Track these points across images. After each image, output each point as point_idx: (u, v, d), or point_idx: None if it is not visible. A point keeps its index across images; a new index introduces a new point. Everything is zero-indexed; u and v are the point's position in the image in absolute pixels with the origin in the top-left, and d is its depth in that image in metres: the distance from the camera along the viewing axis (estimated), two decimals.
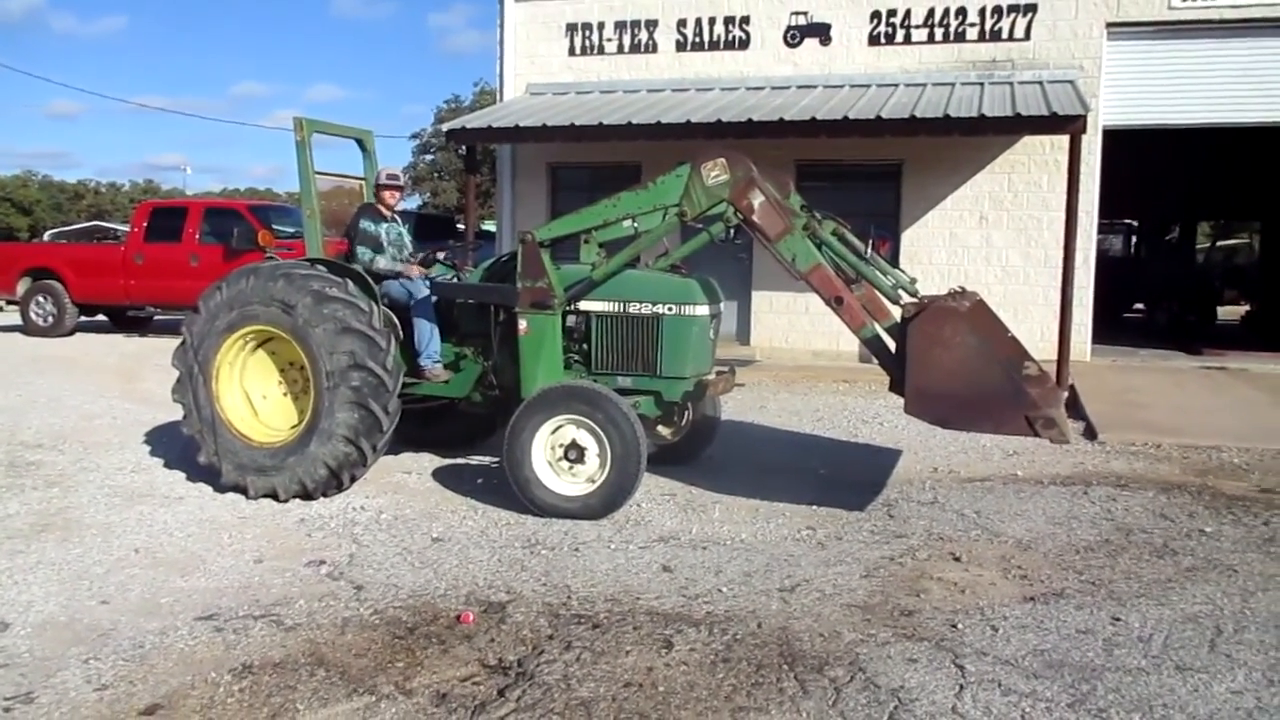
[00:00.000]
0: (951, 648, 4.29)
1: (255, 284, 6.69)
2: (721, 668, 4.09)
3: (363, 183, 8.07)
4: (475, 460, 7.73)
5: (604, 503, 6.17)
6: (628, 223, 6.50)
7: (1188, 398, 10.74)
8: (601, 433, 6.14)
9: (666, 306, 6.63)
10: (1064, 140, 11.98)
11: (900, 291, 6.67)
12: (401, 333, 7.02)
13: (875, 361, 6.33)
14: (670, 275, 6.90)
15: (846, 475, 7.47)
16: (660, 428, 7.50)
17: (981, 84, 13.32)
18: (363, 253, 7.20)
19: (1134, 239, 21.34)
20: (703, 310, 6.70)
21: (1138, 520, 6.34)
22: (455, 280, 7.58)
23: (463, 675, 4.02)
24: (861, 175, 14.53)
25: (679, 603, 4.82)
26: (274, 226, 15.63)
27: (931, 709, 3.73)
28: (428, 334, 7.09)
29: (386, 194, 7.54)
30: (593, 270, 6.60)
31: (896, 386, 6.01)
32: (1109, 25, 13.33)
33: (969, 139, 12.79)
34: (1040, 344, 13.29)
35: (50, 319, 16.81)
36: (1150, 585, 5.12)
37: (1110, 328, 15.77)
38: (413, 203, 49.43)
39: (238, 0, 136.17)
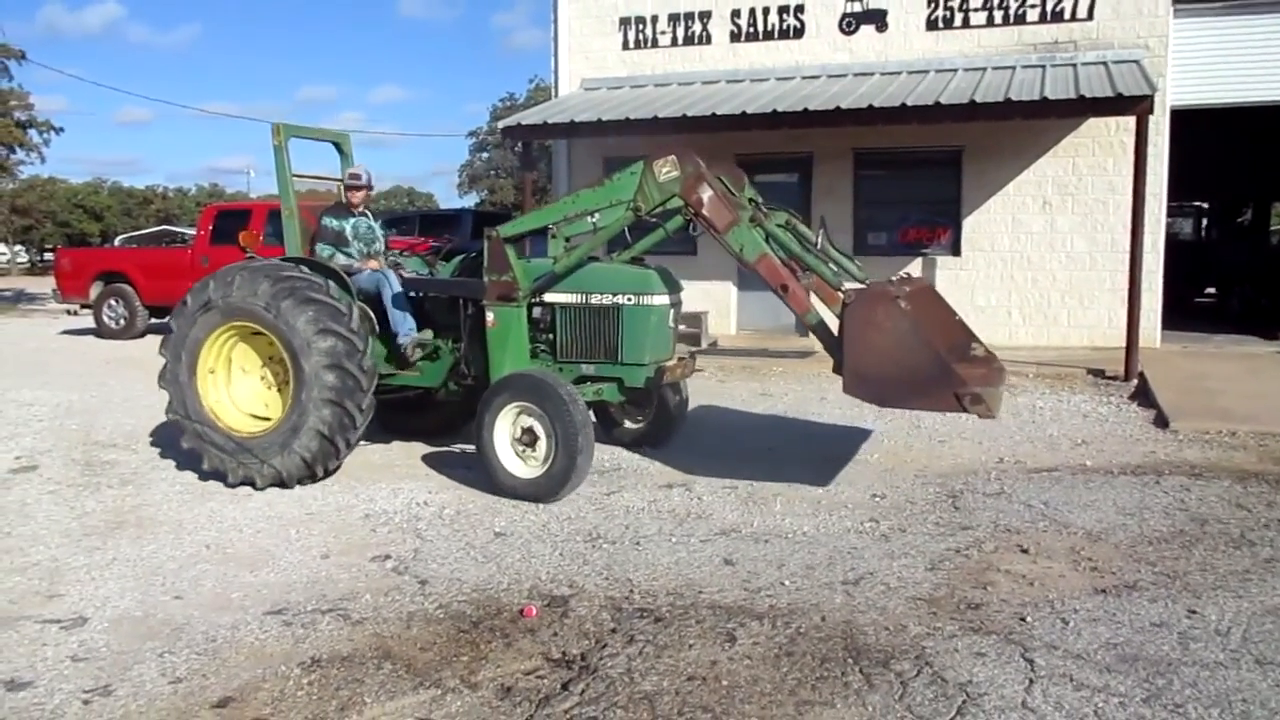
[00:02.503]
0: (1020, 641, 4.21)
1: (241, 283, 6.94)
2: (785, 661, 4.06)
3: (340, 183, 8.25)
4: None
5: (553, 484, 6.41)
6: (590, 218, 6.82)
7: (1263, 384, 10.42)
8: (549, 419, 6.39)
9: (626, 297, 6.90)
10: (1130, 122, 11.68)
11: (845, 278, 6.88)
12: (377, 325, 7.32)
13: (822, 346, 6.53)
14: (630, 267, 7.13)
15: (909, 466, 7.38)
16: (626, 416, 7.97)
17: (1043, 66, 13.06)
18: (321, 249, 7.57)
19: (1204, 221, 20.78)
20: (661, 300, 6.96)
21: (1213, 510, 6.17)
22: (428, 275, 7.91)
23: (527, 669, 4.04)
24: (920, 162, 14.35)
25: (741, 596, 4.80)
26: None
27: (1001, 703, 3.66)
28: (400, 317, 7.36)
29: (351, 194, 7.85)
30: (555, 263, 6.93)
31: (838, 368, 6.22)
32: (1175, 2, 12.98)
33: (1031, 123, 12.56)
34: (1108, 331, 13.07)
35: (122, 321, 17.26)
36: (1227, 577, 4.98)
37: (1181, 313, 15.38)
38: (469, 200, 49.92)
39: (306, 6, 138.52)
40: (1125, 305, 11.44)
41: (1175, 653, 4.09)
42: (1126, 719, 3.55)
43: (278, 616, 4.65)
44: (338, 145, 8.36)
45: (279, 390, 7.20)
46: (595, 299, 6.98)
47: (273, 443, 6.80)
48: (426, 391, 7.70)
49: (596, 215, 6.78)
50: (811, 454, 7.77)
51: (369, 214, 8.02)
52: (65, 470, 7.53)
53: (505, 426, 6.58)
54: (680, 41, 15.21)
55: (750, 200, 6.87)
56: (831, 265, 6.93)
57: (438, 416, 8.33)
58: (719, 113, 12.47)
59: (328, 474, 6.97)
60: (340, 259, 7.49)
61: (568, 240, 6.97)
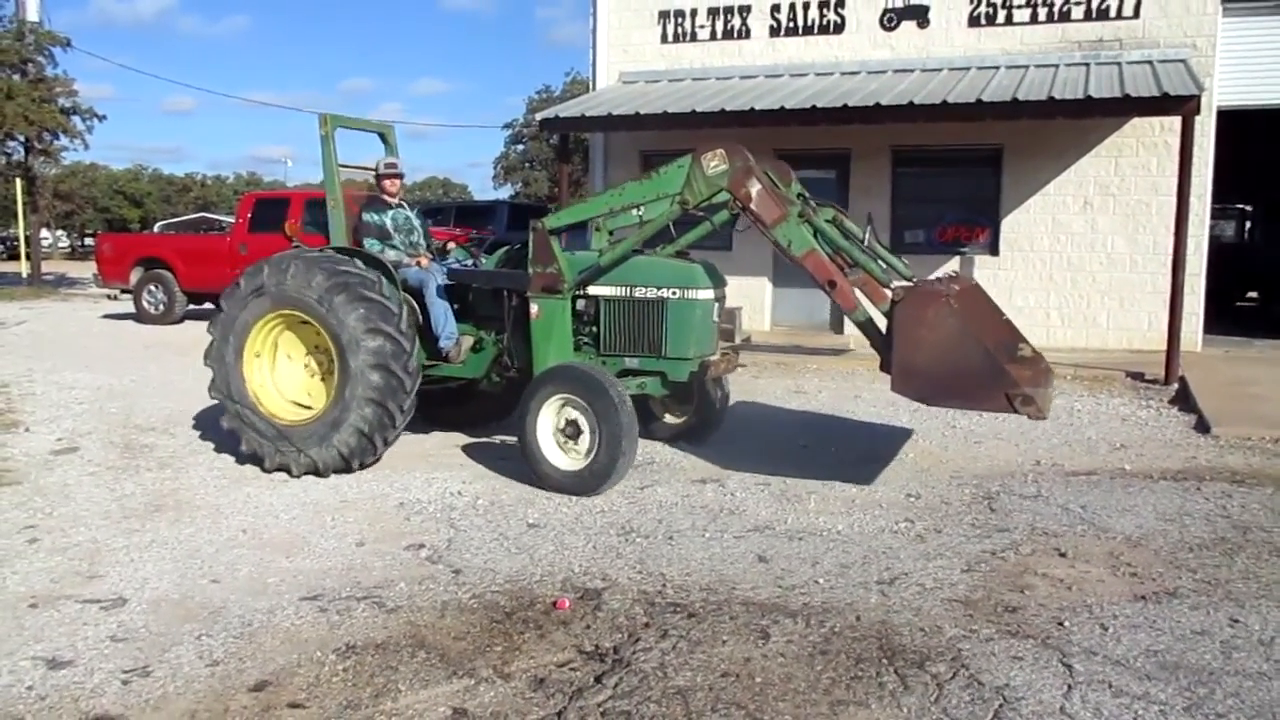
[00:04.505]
0: (1059, 646, 4.16)
1: (296, 272, 6.93)
2: (819, 660, 4.03)
3: (374, 173, 8.25)
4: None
5: (595, 478, 6.39)
6: (635, 211, 6.78)
7: None
8: (594, 412, 6.36)
9: (671, 290, 6.87)
10: (1175, 122, 11.51)
11: (893, 276, 6.82)
12: (420, 318, 7.32)
13: (869, 343, 6.47)
14: (675, 261, 7.14)
15: (945, 466, 7.32)
16: (668, 411, 7.92)
17: (1087, 64, 12.89)
18: (370, 244, 7.54)
19: (1248, 224, 20.44)
20: (705, 294, 6.94)
21: (1255, 518, 6.07)
22: (472, 266, 7.87)
23: (560, 661, 4.04)
24: (960, 160, 14.21)
25: (775, 593, 4.78)
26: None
27: (1038, 708, 3.62)
28: (443, 316, 7.35)
29: (386, 182, 7.87)
30: (600, 256, 6.92)
31: (885, 366, 6.17)
32: (1224, 1, 12.75)
33: (1073, 122, 12.41)
34: (1148, 333, 12.89)
35: (161, 307, 17.48)
36: (1270, 586, 4.89)
37: (1222, 317, 15.15)
38: (504, 192, 50.04)
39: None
40: (1166, 308, 11.27)
41: (1217, 662, 4.02)
42: None
43: (313, 602, 4.68)
44: (383, 136, 8.38)
45: (322, 379, 7.23)
46: (640, 292, 6.94)
47: (313, 434, 6.85)
48: (469, 383, 7.70)
49: (642, 208, 6.75)
50: (845, 452, 7.72)
51: (405, 204, 8.04)
52: (105, 453, 7.63)
53: (549, 418, 6.57)
54: (719, 35, 15.15)
55: (799, 195, 6.83)
56: (880, 262, 6.87)
57: (478, 407, 8.33)
58: (758, 108, 12.42)
59: (363, 467, 7.00)
60: (390, 254, 7.49)
61: (612, 233, 6.94)
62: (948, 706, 3.64)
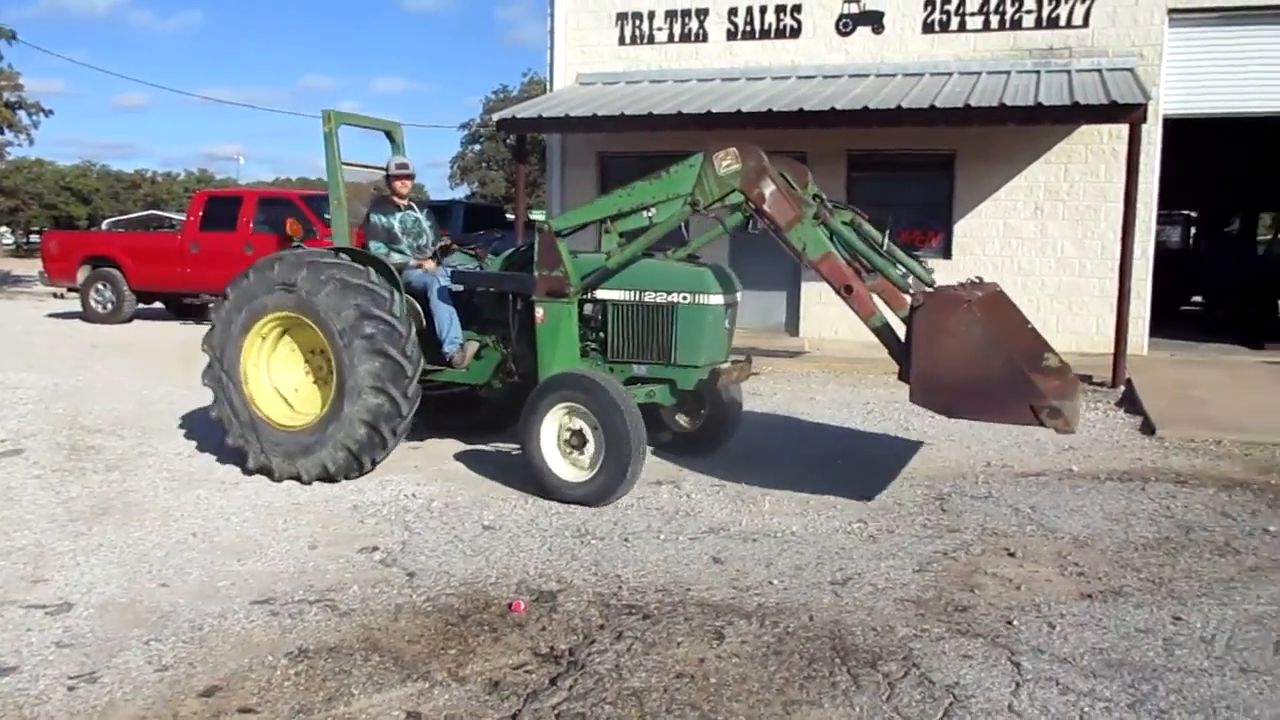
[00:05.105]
0: (1007, 644, 4.23)
1: (309, 276, 6.79)
2: (773, 660, 4.07)
3: (384, 173, 8.14)
4: (509, 447, 7.74)
5: (601, 489, 6.22)
6: (646, 212, 6.55)
7: (1249, 393, 10.48)
8: (598, 420, 6.21)
9: (681, 295, 6.65)
10: (1123, 129, 11.73)
11: (912, 281, 6.60)
12: (424, 321, 7.17)
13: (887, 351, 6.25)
14: (685, 264, 6.92)
15: (897, 469, 7.39)
16: (678, 417, 7.63)
17: (1038, 72, 13.10)
18: (376, 246, 7.38)
19: (1193, 230, 20.89)
20: (717, 299, 6.69)
21: (1198, 518, 6.21)
22: (476, 269, 7.68)
23: (515, 663, 4.04)
24: (914, 165, 14.37)
25: (730, 594, 4.81)
26: (326, 216, 15.79)
27: (987, 706, 3.68)
28: (447, 320, 7.20)
29: (397, 183, 7.67)
30: (607, 259, 6.68)
31: (904, 375, 5.98)
32: (1170, 11, 13.03)
33: (1024, 128, 12.59)
34: (1096, 337, 13.12)
35: (109, 306, 17.18)
36: (1212, 584, 5.01)
37: (1168, 321, 15.46)
38: (461, 192, 49.77)
39: None
40: (1114, 312, 11.49)
41: (1160, 659, 4.11)
42: None
43: (265, 606, 4.63)
44: (389, 134, 8.19)
45: (326, 382, 7.04)
46: (649, 297, 6.71)
47: (330, 420, 6.68)
48: (471, 389, 7.52)
49: (652, 209, 6.53)
50: (800, 454, 7.78)
51: (415, 206, 7.85)
52: (51, 455, 7.49)
53: (553, 427, 6.39)
54: (677, 38, 15.19)
55: (814, 197, 6.62)
56: (899, 267, 6.69)
57: (479, 414, 8.11)
58: (714, 111, 12.47)
59: (374, 464, 6.83)
60: (396, 258, 7.32)
61: (621, 235, 6.70)
62: (899, 705, 3.69)
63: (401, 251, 7.48)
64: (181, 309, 18.03)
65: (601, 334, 6.95)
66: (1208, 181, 18.85)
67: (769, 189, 6.16)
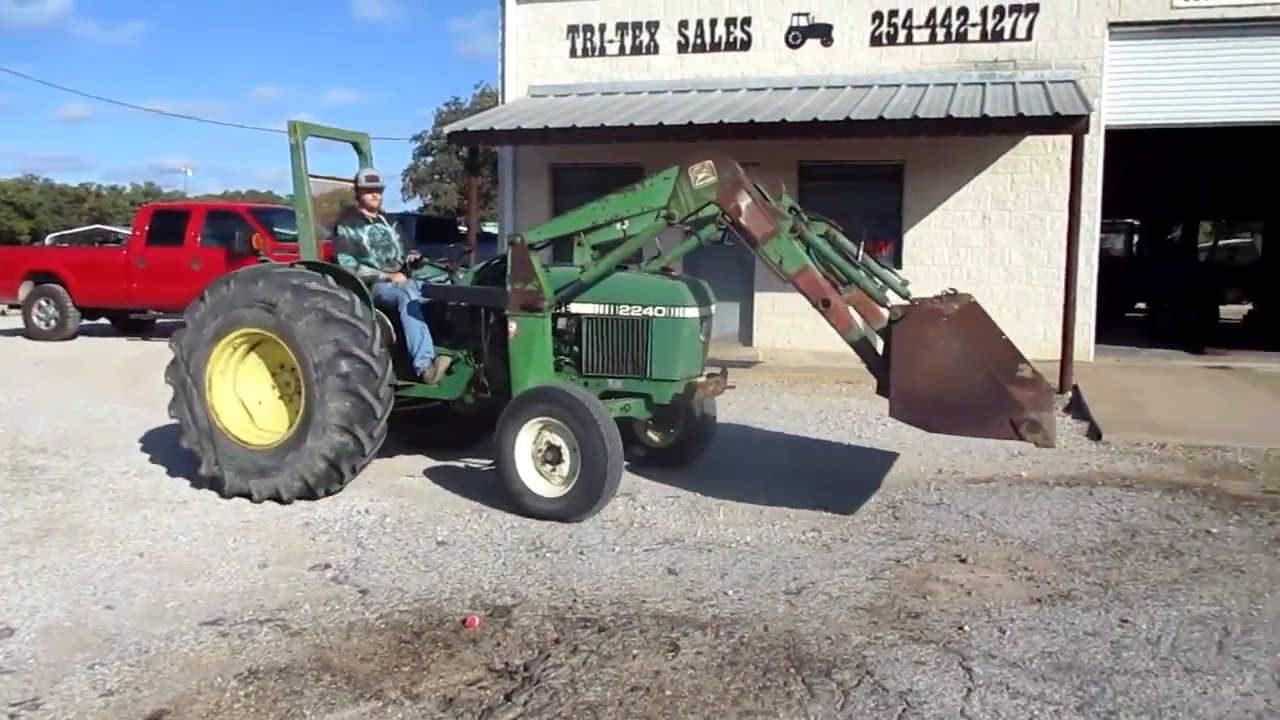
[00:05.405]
0: (959, 650, 4.28)
1: (264, 288, 6.68)
2: (728, 671, 4.08)
3: (354, 185, 8.06)
4: (479, 463, 7.72)
5: (578, 504, 6.16)
6: (620, 225, 6.52)
7: (1192, 398, 10.71)
8: (574, 435, 6.15)
9: (656, 309, 6.62)
10: (1067, 140, 11.94)
11: (889, 294, 6.60)
12: (394, 336, 7.05)
13: (865, 365, 6.26)
14: (660, 278, 6.89)
15: (851, 477, 7.45)
16: (650, 432, 7.57)
17: (984, 84, 13.31)
18: (344, 259, 7.27)
19: (1136, 238, 21.30)
20: (692, 312, 6.67)
21: (1143, 521, 6.33)
22: (447, 283, 7.58)
23: (469, 680, 4.01)
24: (864, 176, 14.53)
25: (685, 606, 4.81)
26: (276, 230, 15.64)
27: (940, 712, 3.72)
28: (418, 334, 7.11)
29: (367, 196, 7.58)
30: (582, 272, 6.63)
31: (883, 389, 5.98)
32: (1111, 25, 13.31)
33: (971, 139, 12.78)
34: (1043, 344, 13.29)
35: (53, 322, 16.83)
36: (1157, 587, 5.11)
37: (1113, 328, 15.74)
38: (413, 205, 49.48)
39: (258, 7, 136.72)
40: (1060, 319, 11.69)
41: (1108, 661, 4.18)
42: None
43: (214, 627, 4.56)
44: (356, 145, 8.07)
45: (292, 400, 6.93)
46: (624, 310, 6.67)
47: (293, 448, 6.55)
48: (443, 404, 7.42)
49: (627, 222, 6.49)
50: (754, 464, 7.82)
51: (384, 219, 7.75)
52: None
53: (527, 442, 6.31)
54: (628, 51, 15.24)
55: (790, 209, 6.60)
56: (875, 280, 6.70)
57: (448, 429, 8.00)
58: (666, 123, 12.52)
59: (354, 473, 6.73)
60: (365, 271, 7.22)
61: (594, 248, 6.65)
62: (853, 713, 3.71)
63: (371, 265, 7.38)
64: (127, 325, 17.72)
65: (576, 348, 6.88)
66: (1149, 191, 19.24)
67: (745, 202, 6.15)
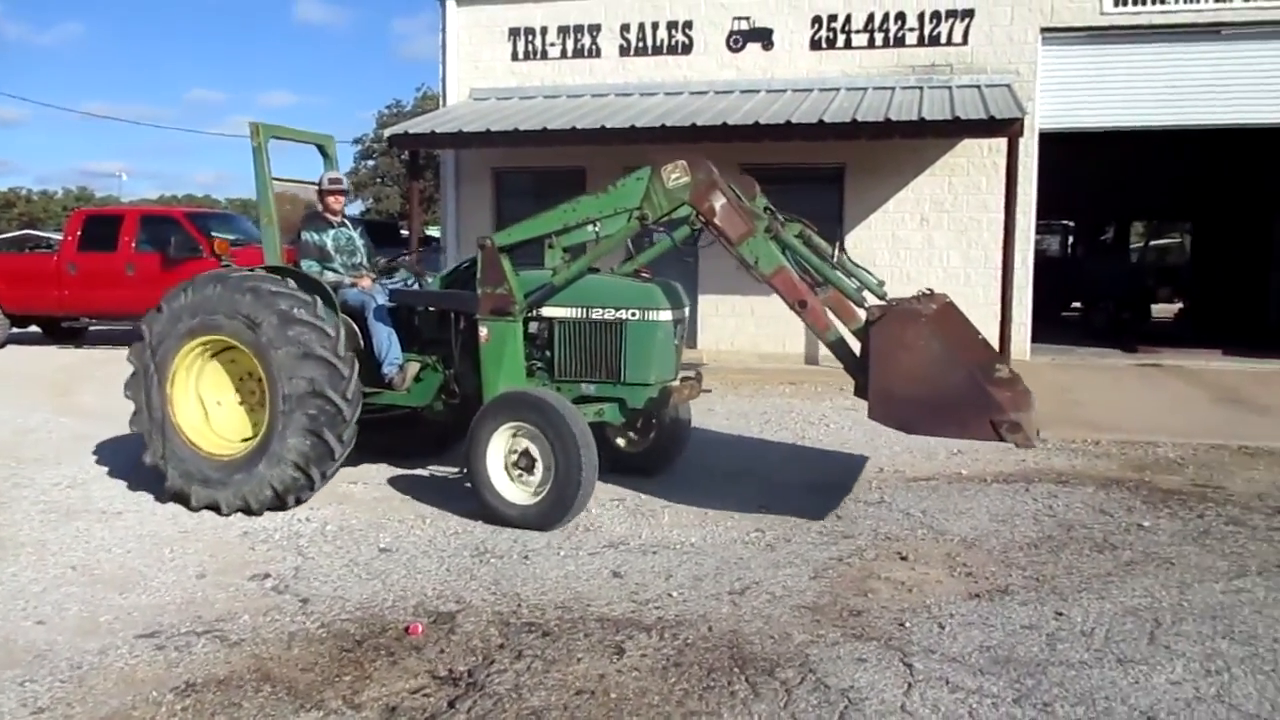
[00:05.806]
0: (900, 646, 4.33)
1: (222, 293, 6.52)
2: (673, 672, 4.09)
3: (316, 188, 7.93)
4: (423, 470, 7.66)
5: (552, 512, 6.07)
6: (592, 227, 6.44)
7: (1124, 395, 10.98)
8: (548, 441, 6.05)
9: (629, 312, 6.50)
10: (1002, 143, 12.20)
11: (866, 294, 6.60)
12: (361, 342, 6.93)
13: (842, 366, 6.23)
14: (633, 280, 6.80)
15: (794, 478, 7.52)
16: (619, 439, 7.46)
17: (921, 88, 13.52)
18: (308, 265, 7.12)
19: (1070, 239, 21.76)
20: (666, 315, 6.56)
21: (1078, 516, 6.47)
22: (416, 287, 7.45)
23: (412, 687, 3.98)
24: (805, 178, 14.62)
25: (629, 608, 4.82)
26: (214, 234, 15.36)
27: (881, 708, 3.76)
28: (386, 340, 6.97)
29: (330, 199, 7.43)
30: (553, 275, 6.54)
31: (861, 391, 5.93)
32: (1043, 30, 13.60)
33: (909, 142, 12.97)
34: None
35: None
36: (1091, 580, 5.22)
37: (1049, 327, 16.06)
38: (355, 209, 48.96)
39: (194, 8, 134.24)
40: (998, 319, 11.91)
41: (1044, 654, 4.27)
42: (999, 719, 3.69)
43: (149, 640, 4.47)
44: (321, 148, 7.92)
45: (253, 409, 6.77)
46: (597, 313, 6.54)
47: (242, 469, 6.38)
48: (412, 411, 7.27)
49: (599, 224, 6.39)
50: (699, 466, 7.84)
51: (348, 223, 7.60)
52: None
53: (499, 449, 6.19)
54: (570, 54, 15.24)
55: (766, 210, 6.55)
56: (852, 279, 6.67)
57: (418, 437, 7.85)
58: (608, 126, 12.54)
59: (299, 504, 6.56)
60: (330, 276, 7.05)
61: (566, 250, 6.57)
62: (796, 711, 3.75)
63: (335, 270, 7.25)
64: (59, 333, 17.29)
65: (548, 352, 6.76)
66: (1083, 193, 19.68)
67: (719, 202, 6.08)
